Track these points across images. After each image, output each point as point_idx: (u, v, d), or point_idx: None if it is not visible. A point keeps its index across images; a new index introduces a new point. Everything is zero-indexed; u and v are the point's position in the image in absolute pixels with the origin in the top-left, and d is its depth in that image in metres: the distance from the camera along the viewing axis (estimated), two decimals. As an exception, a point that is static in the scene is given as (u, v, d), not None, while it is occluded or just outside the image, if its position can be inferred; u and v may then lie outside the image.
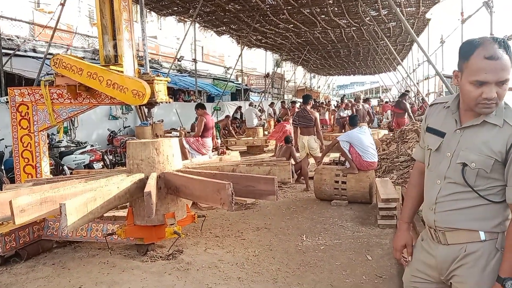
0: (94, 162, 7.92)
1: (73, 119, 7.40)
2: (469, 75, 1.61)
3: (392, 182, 6.62)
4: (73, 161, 7.60)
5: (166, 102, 4.68)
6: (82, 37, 15.59)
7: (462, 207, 1.68)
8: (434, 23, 16.79)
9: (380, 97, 31.75)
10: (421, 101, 16.17)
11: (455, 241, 1.70)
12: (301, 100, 11.16)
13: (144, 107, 4.52)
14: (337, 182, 6.32)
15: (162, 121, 12.65)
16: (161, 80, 4.42)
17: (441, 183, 1.73)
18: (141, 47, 6.38)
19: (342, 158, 8.40)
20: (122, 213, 4.96)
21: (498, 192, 1.65)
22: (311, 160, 7.83)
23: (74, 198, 3.24)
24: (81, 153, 7.78)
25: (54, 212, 3.58)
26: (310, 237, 4.93)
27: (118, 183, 3.79)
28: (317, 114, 7.49)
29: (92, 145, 8.50)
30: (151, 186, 3.55)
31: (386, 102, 23.26)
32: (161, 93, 4.45)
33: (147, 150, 4.22)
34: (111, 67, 4.24)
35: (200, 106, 8.10)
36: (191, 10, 14.73)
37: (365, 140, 6.33)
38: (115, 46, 4.48)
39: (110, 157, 9.28)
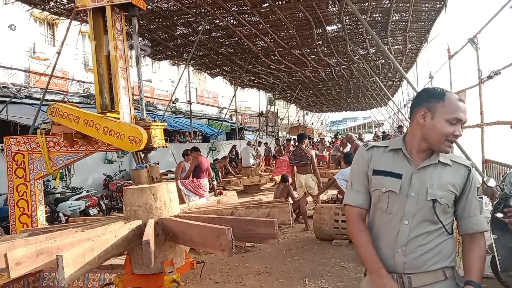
0: (90, 208, 7.82)
1: (69, 166, 7.36)
2: (447, 113, 1.74)
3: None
4: (69, 207, 7.50)
5: (163, 147, 4.68)
6: (77, 83, 15.79)
7: (433, 246, 1.75)
8: (422, 58, 17.22)
9: (375, 132, 32.05)
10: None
11: (421, 283, 1.73)
12: (295, 137, 11.21)
13: (141, 152, 4.52)
14: (336, 221, 6.25)
15: (158, 163, 12.56)
16: (157, 125, 4.44)
17: (409, 223, 1.75)
18: (136, 91, 6.46)
19: (340, 195, 8.37)
20: (119, 260, 4.84)
21: (451, 225, 1.82)
22: (309, 199, 7.77)
23: (71, 249, 3.15)
24: (77, 199, 7.69)
25: (51, 263, 3.48)
26: (313, 280, 4.82)
27: (116, 231, 3.71)
28: (313, 152, 7.52)
29: (87, 191, 8.41)
30: (149, 234, 3.47)
31: (378, 137, 23.42)
32: (158, 138, 4.45)
33: (144, 196, 4.16)
34: (108, 114, 4.27)
35: (194, 149, 8.20)
36: (184, 54, 15.07)
37: (362, 178, 6.32)
38: (111, 94, 4.52)
39: (106, 201, 9.17)
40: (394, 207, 1.79)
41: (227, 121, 21.85)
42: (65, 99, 9.96)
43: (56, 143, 4.63)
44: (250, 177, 12.50)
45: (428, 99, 1.80)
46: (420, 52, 16.51)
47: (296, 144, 8.00)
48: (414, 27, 13.17)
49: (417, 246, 1.74)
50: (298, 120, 37.91)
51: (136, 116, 4.65)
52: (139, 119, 4.43)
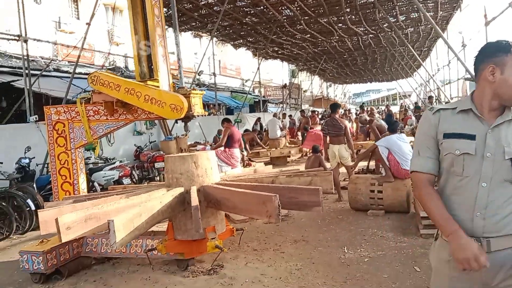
0: (123, 178, 7.94)
1: (109, 135, 7.44)
2: None
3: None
4: (103, 177, 7.63)
5: (202, 115, 4.66)
6: (102, 56, 15.85)
7: None
8: (453, 27, 16.56)
9: (401, 103, 31.36)
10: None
11: (500, 246, 1.68)
12: (319, 109, 10.98)
13: (181, 120, 4.51)
14: (372, 191, 6.17)
15: (186, 134, 12.68)
16: (197, 94, 4.40)
17: (488, 185, 1.69)
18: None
19: (371, 167, 8.26)
20: (160, 227, 4.92)
21: None
22: (341, 169, 7.69)
23: (121, 214, 3.20)
24: (110, 169, 7.81)
25: (99, 229, 3.56)
26: (352, 249, 4.80)
27: (161, 198, 3.75)
28: (347, 122, 7.39)
29: (121, 161, 8.54)
30: (196, 199, 3.49)
31: (406, 110, 22.90)
32: (197, 107, 4.43)
33: (186, 163, 4.18)
34: (148, 82, 4.25)
35: (226, 120, 8.23)
36: (208, 25, 14.89)
37: (405, 147, 6.17)
38: (149, 62, 4.49)
39: (137, 172, 9.31)
40: (470, 170, 1.72)
41: (250, 94, 21.72)
42: (104, 68, 10.00)
43: (96, 112, 4.65)
44: (279, 148, 12.47)
45: (494, 53, 1.70)
46: (451, 20, 15.91)
47: (329, 114, 7.86)
48: (448, -9, 12.63)
49: (497, 208, 1.67)
50: (321, 92, 37.45)
51: (174, 84, 4.62)
52: (178, 87, 4.40)
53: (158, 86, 4.29)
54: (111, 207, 3.63)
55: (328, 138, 7.39)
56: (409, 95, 34.49)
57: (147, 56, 4.42)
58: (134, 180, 8.71)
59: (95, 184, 7.41)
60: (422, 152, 1.85)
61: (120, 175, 7.86)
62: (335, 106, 7.54)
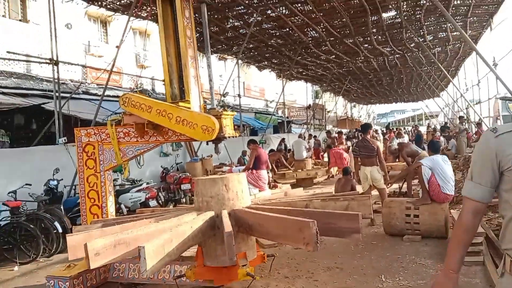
0: (150, 200, 7.88)
1: (138, 157, 7.43)
2: None
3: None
4: (129, 199, 7.60)
5: (234, 137, 4.56)
6: (130, 79, 16.14)
7: None
8: (482, 46, 16.17)
9: (428, 123, 30.76)
10: (476, 126, 15.41)
11: None
12: (344, 130, 10.70)
13: (212, 142, 4.42)
14: (408, 215, 5.89)
15: (211, 156, 12.64)
16: (228, 115, 4.31)
17: None
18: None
19: (403, 189, 7.94)
20: (187, 252, 4.78)
21: None
22: (374, 192, 7.42)
23: (151, 240, 3.08)
24: (137, 191, 7.77)
25: (128, 254, 3.44)
26: (390, 277, 4.53)
27: (191, 222, 3.62)
28: (379, 143, 7.18)
29: (147, 183, 8.51)
30: (229, 225, 3.34)
31: (434, 130, 22.36)
32: (228, 128, 4.33)
33: (217, 186, 4.05)
34: (179, 103, 4.19)
35: (252, 142, 8.12)
36: (234, 48, 15.00)
37: (448, 170, 5.89)
38: (180, 83, 4.45)
39: (163, 193, 9.26)
40: None
41: (274, 115, 21.67)
42: (136, 90, 10.12)
43: (126, 134, 4.61)
44: (305, 169, 12.25)
45: None
46: (480, 39, 15.56)
47: (361, 135, 7.65)
48: (477, 11, 12.35)
49: None
50: (346, 113, 37.12)
51: (205, 105, 4.55)
52: (210, 108, 4.32)
53: (189, 108, 4.22)
54: (140, 232, 3.51)
55: (359, 160, 7.16)
56: (437, 115, 33.80)
57: (178, 77, 4.38)
58: (160, 202, 8.65)
59: (122, 206, 7.37)
60: (475, 177, 1.74)
61: (147, 197, 7.80)
62: (366, 127, 7.34)
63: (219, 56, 19.85)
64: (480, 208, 1.75)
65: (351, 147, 13.35)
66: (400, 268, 4.82)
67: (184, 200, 9.22)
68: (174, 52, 4.40)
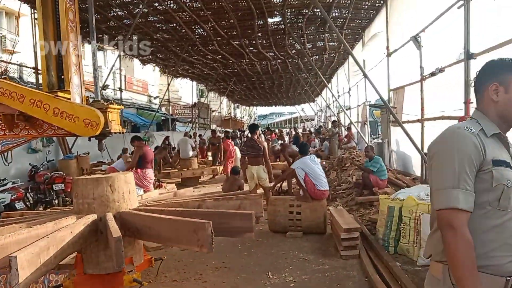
0: (16, 202, 6.95)
1: (5, 154, 6.39)
2: None
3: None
4: (-9, 201, 6.60)
5: (120, 133, 4.21)
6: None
7: None
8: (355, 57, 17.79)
9: (303, 126, 32.94)
10: (346, 130, 16.93)
11: None
12: (229, 130, 10.84)
13: (95, 138, 4.01)
14: (291, 213, 6.17)
15: (88, 153, 11.69)
16: (114, 109, 3.97)
17: None
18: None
19: (284, 188, 8.33)
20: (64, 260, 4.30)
21: None
22: (259, 190, 7.62)
23: (25, 248, 2.67)
24: (1, 192, 6.79)
25: (-6, 266, 2.95)
26: (276, 274, 4.67)
27: (71, 227, 3.25)
28: (265, 144, 7.38)
29: (13, 182, 7.47)
30: (117, 229, 3.06)
31: (310, 132, 24.00)
32: (115, 123, 3.99)
33: (100, 187, 3.71)
34: (58, 93, 3.72)
35: (136, 138, 7.65)
36: (117, 38, 14.14)
37: (317, 169, 6.32)
38: (58, 71, 3.97)
39: (32, 194, 8.26)
40: None
41: (158, 111, 21.00)
42: (3, 75, 8.75)
43: (-10, 126, 3.94)
44: (191, 168, 12.07)
45: (498, 71, 1.62)
46: (353, 50, 17.11)
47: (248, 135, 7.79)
48: (351, 24, 13.56)
49: None
50: (230, 113, 37.74)
51: (87, 97, 4.13)
52: (93, 100, 3.93)
53: (69, 99, 3.78)
54: (10, 239, 3.02)
55: (247, 159, 7.29)
56: (312, 119, 36.40)
57: (56, 64, 3.89)
58: (28, 204, 7.70)
59: (-20, 209, 6.37)
60: (463, 183, 1.50)
61: (13, 198, 6.87)
62: (253, 127, 7.50)
63: (99, 46, 18.46)
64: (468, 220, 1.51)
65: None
66: (285, 264, 5.01)
67: (56, 201, 8.33)
68: (52, 35, 3.90)
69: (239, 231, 3.45)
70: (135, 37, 14.33)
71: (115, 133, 4.06)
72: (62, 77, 3.92)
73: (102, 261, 3.67)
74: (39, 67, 10.10)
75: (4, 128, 3.82)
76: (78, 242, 3.29)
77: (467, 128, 1.57)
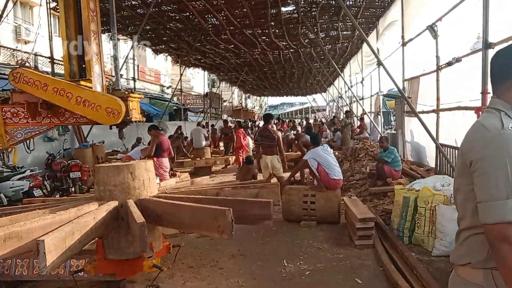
0: (34, 189, 7.09)
1: (28, 141, 6.50)
2: None
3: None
4: (10, 188, 6.74)
5: (140, 121, 4.28)
6: (7, 54, 14.24)
7: None
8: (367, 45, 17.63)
9: (314, 116, 32.88)
10: (359, 120, 16.86)
11: None
12: (241, 120, 10.85)
13: (115, 126, 4.09)
14: (305, 202, 6.21)
15: (103, 142, 11.83)
16: (135, 97, 4.03)
17: None
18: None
19: (297, 177, 8.35)
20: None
21: None
22: (273, 180, 7.67)
23: (52, 233, 2.76)
24: (19, 179, 6.93)
25: (21, 249, 3.04)
26: (291, 262, 4.73)
27: (94, 213, 3.33)
28: (279, 134, 7.40)
29: (31, 170, 7.62)
30: (140, 216, 3.14)
31: (322, 123, 23.96)
32: (135, 111, 4.05)
33: (121, 174, 3.79)
34: (81, 82, 3.79)
35: (153, 127, 7.71)
36: (130, 28, 14.22)
37: (330, 158, 6.33)
38: (79, 60, 4.03)
39: (49, 182, 8.42)
40: None
41: (171, 102, 21.11)
42: (27, 64, 8.88)
43: (15, 114, 4.02)
44: (204, 158, 12.17)
45: None
46: (367, 39, 16.95)
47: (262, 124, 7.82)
48: (365, 13, 13.42)
49: None
50: (240, 103, 37.77)
51: (108, 86, 4.19)
52: (114, 89, 3.99)
53: (91, 87, 3.85)
54: (34, 224, 3.12)
55: (261, 149, 7.33)
56: (323, 110, 36.26)
57: (77, 54, 3.96)
58: (45, 191, 7.85)
59: (1, 196, 6.52)
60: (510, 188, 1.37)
61: (31, 185, 7.01)
62: (268, 117, 7.53)
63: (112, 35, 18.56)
64: None
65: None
66: (300, 252, 5.06)
67: (73, 189, 8.48)
68: (74, 25, 3.96)
69: (257, 219, 3.51)
70: (148, 27, 14.40)
71: (135, 121, 4.12)
72: (84, 66, 3.98)
73: (123, 246, 3.77)
74: (55, 57, 10.25)
75: (27, 116, 3.92)
76: (100, 227, 3.38)
77: (503, 126, 1.45)
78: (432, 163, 8.17)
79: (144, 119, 5.01)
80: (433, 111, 7.79)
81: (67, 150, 10.93)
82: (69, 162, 8.73)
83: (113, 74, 14.30)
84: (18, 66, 10.90)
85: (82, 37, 3.87)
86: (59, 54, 11.96)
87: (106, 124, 3.76)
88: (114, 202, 3.71)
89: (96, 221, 3.30)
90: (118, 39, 23.50)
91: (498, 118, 1.50)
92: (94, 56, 3.93)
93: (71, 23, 3.93)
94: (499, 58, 1.60)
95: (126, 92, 3.94)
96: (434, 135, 7.47)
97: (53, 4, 10.23)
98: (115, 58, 3.98)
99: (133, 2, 11.83)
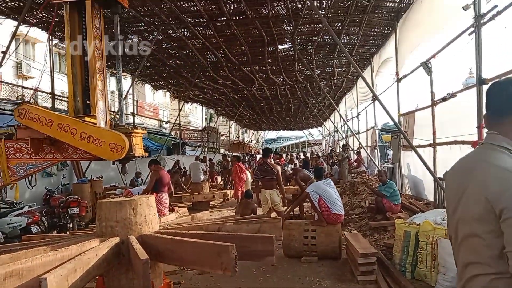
0: (32, 225, 7.01)
1: (30, 177, 6.48)
2: None
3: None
4: (8, 224, 6.67)
5: (143, 156, 4.31)
6: (8, 89, 14.43)
7: None
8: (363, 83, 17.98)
9: (312, 150, 33.04)
10: (355, 154, 16.95)
11: None
12: (238, 154, 10.89)
13: (118, 161, 4.12)
14: (306, 237, 6.17)
15: (102, 177, 11.80)
16: (138, 133, 4.09)
17: None
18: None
19: (296, 212, 8.30)
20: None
21: None
22: (273, 214, 7.63)
23: (54, 271, 2.73)
24: (17, 215, 6.87)
25: (21, 288, 3.00)
26: (293, 299, 4.66)
27: (96, 250, 3.31)
28: (279, 168, 7.43)
29: (29, 206, 7.57)
30: (143, 252, 3.12)
31: (318, 156, 24.05)
32: (138, 147, 4.10)
33: (123, 210, 3.78)
34: (85, 118, 3.85)
35: (153, 162, 7.75)
36: (130, 65, 14.50)
37: (333, 192, 6.34)
38: (84, 96, 4.11)
39: (46, 218, 8.33)
40: None
41: (169, 136, 21.23)
42: (31, 100, 8.97)
43: (18, 150, 4.06)
44: (202, 192, 12.12)
45: None
46: (362, 74, 17.29)
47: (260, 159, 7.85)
48: (360, 51, 13.80)
49: None
50: (238, 137, 37.96)
51: (111, 122, 4.25)
52: (117, 125, 4.05)
53: (95, 123, 3.91)
54: (35, 262, 3.08)
55: (260, 183, 7.33)
56: (319, 143, 36.48)
57: (82, 90, 4.04)
58: (42, 227, 7.76)
59: (-2, 232, 6.45)
60: None
61: (29, 221, 6.94)
62: (267, 151, 7.59)
63: (111, 71, 18.85)
64: None
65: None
66: (302, 289, 4.98)
67: (71, 225, 8.39)
68: (78, 63, 4.07)
69: (260, 255, 3.48)
70: (148, 63, 14.69)
71: (138, 157, 4.16)
72: (88, 102, 4.06)
73: (123, 284, 3.71)
74: (55, 92, 10.39)
75: (31, 152, 3.95)
76: (102, 265, 3.35)
77: None
78: (430, 197, 8.18)
79: (147, 154, 5.05)
80: (430, 145, 7.88)
81: (66, 186, 10.88)
82: (67, 197, 8.68)
83: (116, 111, 14.43)
84: (22, 101, 11.02)
85: (88, 74, 3.96)
86: (59, 89, 12.07)
87: (109, 160, 3.79)
88: (115, 238, 3.68)
89: (97, 258, 3.27)
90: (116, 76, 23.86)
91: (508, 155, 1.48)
92: (98, 92, 4.01)
93: (77, 61, 4.03)
94: (502, 94, 1.57)
95: (130, 128, 4.00)
96: (432, 169, 7.52)
97: (55, 41, 10.48)
98: (119, 95, 4.07)
99: (134, 40, 12.10)
